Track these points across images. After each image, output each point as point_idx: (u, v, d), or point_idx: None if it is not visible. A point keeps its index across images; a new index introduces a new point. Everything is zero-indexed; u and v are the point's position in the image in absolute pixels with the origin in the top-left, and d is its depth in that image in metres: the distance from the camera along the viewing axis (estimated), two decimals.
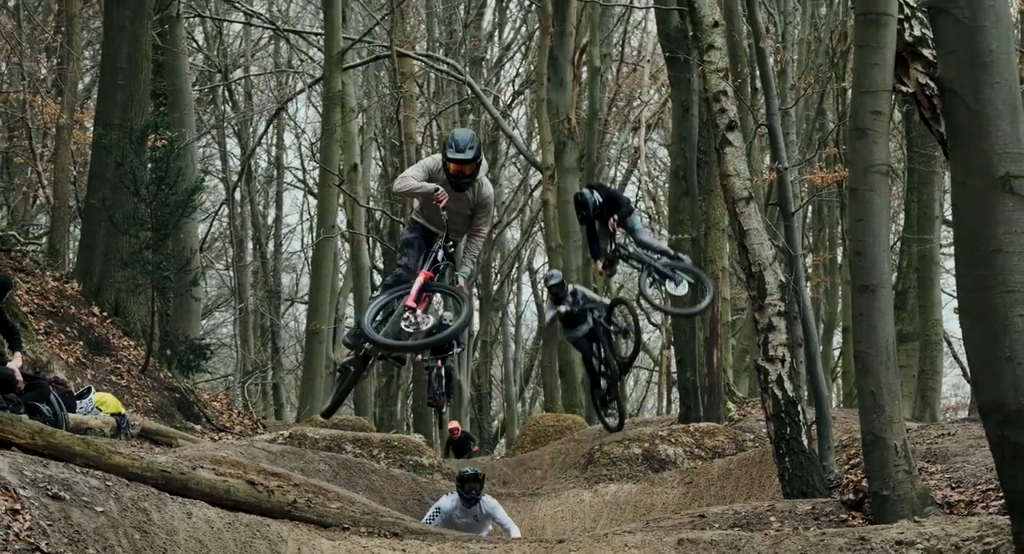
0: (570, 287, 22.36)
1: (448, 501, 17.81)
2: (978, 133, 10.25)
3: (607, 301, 22.86)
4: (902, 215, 36.66)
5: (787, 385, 16.03)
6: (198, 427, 23.93)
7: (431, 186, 13.13)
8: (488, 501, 17.79)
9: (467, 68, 40.40)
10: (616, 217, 19.26)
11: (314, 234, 41.12)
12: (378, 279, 44.88)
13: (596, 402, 23.80)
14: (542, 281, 25.33)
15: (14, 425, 12.35)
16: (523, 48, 49.59)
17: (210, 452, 17.26)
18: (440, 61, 40.08)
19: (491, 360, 52.06)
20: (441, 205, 13.06)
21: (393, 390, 45.58)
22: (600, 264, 19.90)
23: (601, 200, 19.37)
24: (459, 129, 13.68)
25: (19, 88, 32.16)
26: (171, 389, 24.63)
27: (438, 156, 13.38)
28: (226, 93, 48.03)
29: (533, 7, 43.33)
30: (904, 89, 13.27)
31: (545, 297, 22.64)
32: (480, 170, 13.35)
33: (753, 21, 19.80)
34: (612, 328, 22.55)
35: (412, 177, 13.33)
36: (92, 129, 28.90)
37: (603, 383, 23.13)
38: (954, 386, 49.73)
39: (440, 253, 13.51)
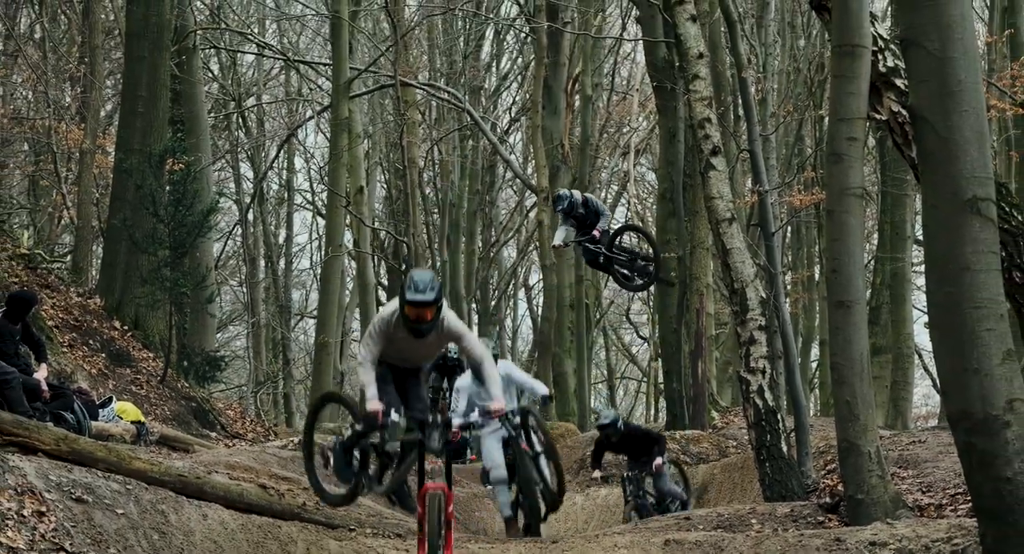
0: (579, 196, 19.58)
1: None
2: (947, 158, 10.27)
3: (606, 227, 19.73)
4: (876, 235, 36.70)
5: (767, 395, 16.05)
6: (213, 434, 23.92)
7: (372, 394, 10.91)
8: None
9: (466, 96, 40.40)
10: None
11: (322, 253, 41.10)
12: (383, 296, 44.90)
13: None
14: (550, 204, 22.87)
15: (40, 432, 12.36)
16: (519, 78, 49.61)
17: (224, 457, 17.24)
18: (441, 90, 40.08)
19: None
20: (379, 421, 10.96)
21: None
22: (596, 473, 19.16)
23: (623, 433, 18.29)
24: (419, 270, 11.07)
25: (45, 115, 32.15)
26: (188, 398, 24.63)
27: (396, 302, 11.03)
28: (240, 120, 48.04)
29: (529, 39, 43.30)
30: (878, 117, 13.28)
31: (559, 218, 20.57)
32: (441, 313, 10.96)
33: (736, 52, 19.84)
34: (616, 256, 19.25)
35: (368, 360, 11.17)
36: (113, 154, 28.94)
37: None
38: (924, 396, 49.73)
39: (436, 440, 11.10)
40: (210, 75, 44.95)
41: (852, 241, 12.78)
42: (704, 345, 25.37)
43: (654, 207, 40.71)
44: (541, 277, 40.40)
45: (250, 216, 48.46)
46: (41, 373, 15.84)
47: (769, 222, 18.04)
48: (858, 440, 12.75)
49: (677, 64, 23.64)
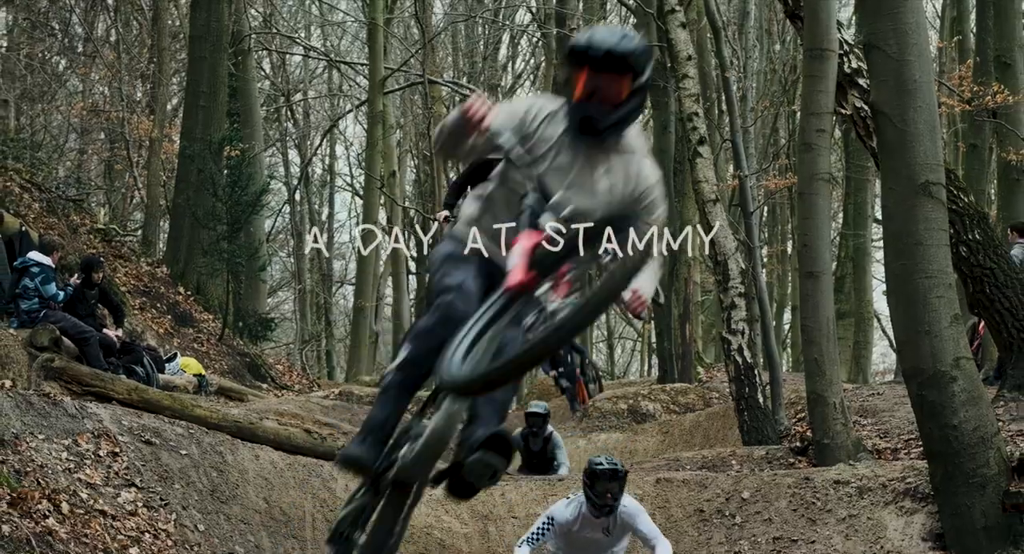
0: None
1: (567, 510, 10.10)
2: (903, 148, 10.25)
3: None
4: (841, 215, 36.64)
5: (746, 353, 16.03)
6: (264, 386, 23.94)
7: None
8: (630, 506, 10.01)
9: (485, 93, 40.30)
10: None
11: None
12: (412, 266, 44.93)
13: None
14: None
15: (114, 383, 12.40)
16: (531, 77, 49.51)
17: (274, 406, 17.28)
18: (463, 87, 39.98)
19: None
20: None
21: None
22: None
23: None
24: None
25: (119, 108, 32.10)
26: (242, 354, 24.65)
27: None
28: (288, 112, 48.00)
29: (540, 43, 43.19)
30: (843, 111, 13.24)
31: None
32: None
33: (720, 55, 19.77)
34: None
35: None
36: (178, 142, 28.92)
37: None
38: (882, 354, 49.60)
39: None
40: (263, 73, 44.85)
41: (820, 220, 12.77)
42: (691, 310, 25.32)
43: None
44: None
45: (297, 196, 48.46)
46: (111, 331, 16.06)
47: (748, 203, 18.01)
48: (825, 392, 12.76)
49: (669, 65, 23.54)
